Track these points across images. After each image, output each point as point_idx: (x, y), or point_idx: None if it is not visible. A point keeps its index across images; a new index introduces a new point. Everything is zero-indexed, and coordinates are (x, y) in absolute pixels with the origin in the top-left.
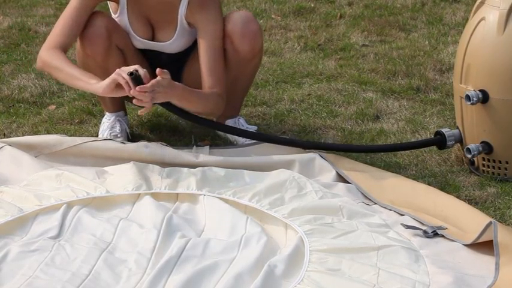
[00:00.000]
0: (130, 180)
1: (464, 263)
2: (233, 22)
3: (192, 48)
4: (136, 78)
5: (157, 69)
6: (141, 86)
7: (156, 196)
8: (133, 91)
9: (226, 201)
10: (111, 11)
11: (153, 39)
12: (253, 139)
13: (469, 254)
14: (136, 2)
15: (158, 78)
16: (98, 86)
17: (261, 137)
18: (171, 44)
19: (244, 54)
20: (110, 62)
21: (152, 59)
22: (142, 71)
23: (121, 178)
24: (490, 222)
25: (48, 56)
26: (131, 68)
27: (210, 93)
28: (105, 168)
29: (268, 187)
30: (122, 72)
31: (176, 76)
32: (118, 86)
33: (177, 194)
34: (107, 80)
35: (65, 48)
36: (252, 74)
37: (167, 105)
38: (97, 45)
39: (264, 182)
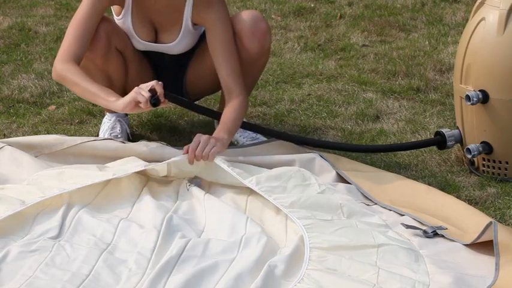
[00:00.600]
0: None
1: (464, 263)
2: (242, 22)
3: (195, 48)
4: (155, 102)
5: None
6: (202, 151)
7: (155, 194)
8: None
9: (226, 187)
10: (113, 13)
11: (155, 41)
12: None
13: (469, 254)
14: (141, 5)
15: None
16: (118, 104)
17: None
18: (175, 45)
19: (253, 53)
20: (109, 65)
21: (154, 60)
22: (159, 89)
23: (124, 166)
24: (490, 222)
25: (64, 69)
26: (149, 85)
27: (236, 106)
28: (106, 164)
29: (271, 174)
30: (142, 91)
31: (179, 77)
32: (138, 103)
33: (177, 193)
34: (127, 98)
35: (79, 59)
36: (258, 73)
37: (175, 98)
38: (96, 48)
39: (267, 171)
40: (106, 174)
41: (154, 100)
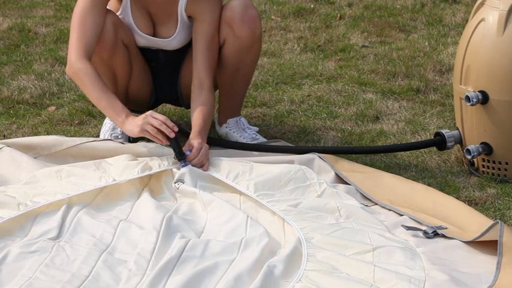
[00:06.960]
0: (134, 164)
1: (460, 261)
2: (232, 9)
3: (189, 46)
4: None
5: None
6: (198, 158)
7: (155, 195)
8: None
9: (220, 184)
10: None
11: (154, 34)
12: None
13: (465, 253)
14: None
15: (197, 149)
16: (125, 129)
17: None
18: (173, 40)
19: (245, 40)
20: (115, 59)
21: (149, 58)
22: (170, 123)
23: (121, 165)
24: (497, 222)
25: (81, 69)
26: (159, 117)
27: (208, 102)
28: (103, 160)
29: (269, 178)
30: (149, 126)
31: (173, 75)
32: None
33: (176, 196)
34: (136, 129)
35: (91, 54)
36: (252, 64)
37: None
38: (104, 41)
39: (267, 171)
40: (107, 179)
41: (179, 155)
